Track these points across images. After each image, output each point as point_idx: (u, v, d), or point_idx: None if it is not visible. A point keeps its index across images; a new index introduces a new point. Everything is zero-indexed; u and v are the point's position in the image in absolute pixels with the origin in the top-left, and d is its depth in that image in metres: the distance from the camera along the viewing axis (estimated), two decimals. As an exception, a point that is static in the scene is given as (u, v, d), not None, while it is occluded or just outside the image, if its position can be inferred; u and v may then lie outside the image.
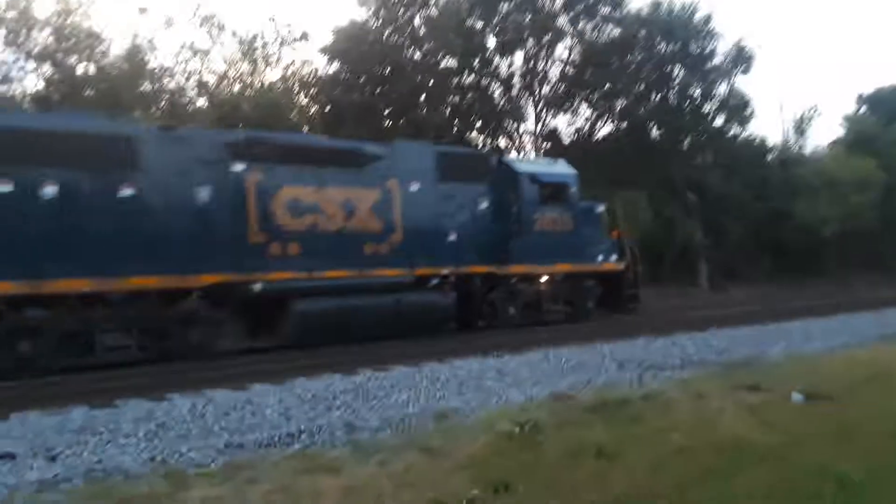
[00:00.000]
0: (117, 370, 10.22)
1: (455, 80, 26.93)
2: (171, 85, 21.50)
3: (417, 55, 25.74)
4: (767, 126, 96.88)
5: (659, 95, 30.15)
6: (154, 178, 11.34)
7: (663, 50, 29.66)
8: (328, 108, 24.05)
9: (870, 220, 35.26)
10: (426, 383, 8.84)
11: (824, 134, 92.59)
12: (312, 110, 24.89)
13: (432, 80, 24.92)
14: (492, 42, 27.85)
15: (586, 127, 30.82)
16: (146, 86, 20.41)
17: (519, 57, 28.83)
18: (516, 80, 29.24)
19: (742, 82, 51.63)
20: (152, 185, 11.31)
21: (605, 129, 30.97)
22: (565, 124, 31.87)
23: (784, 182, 32.99)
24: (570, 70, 29.50)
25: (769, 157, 33.80)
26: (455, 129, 26.67)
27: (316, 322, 12.53)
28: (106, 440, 6.46)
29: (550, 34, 28.09)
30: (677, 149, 29.81)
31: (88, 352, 10.69)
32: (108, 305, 10.83)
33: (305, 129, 22.25)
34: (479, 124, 28.33)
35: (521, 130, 30.03)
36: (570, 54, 29.45)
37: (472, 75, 27.86)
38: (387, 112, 24.71)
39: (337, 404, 7.73)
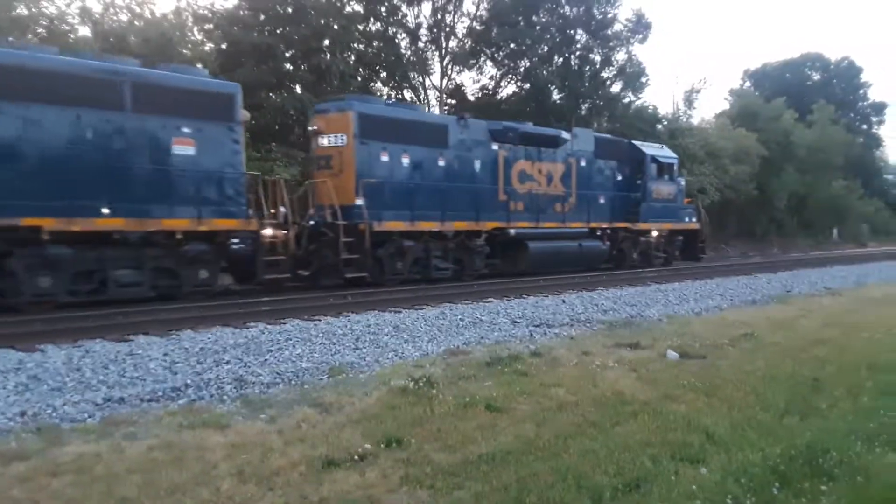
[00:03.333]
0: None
1: (361, 27, 26.16)
2: (50, 10, 19.61)
3: (322, -4, 24.74)
4: (660, 96, 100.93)
5: (561, 59, 30.64)
6: (454, 153, 16.51)
7: (567, 12, 30.06)
8: (224, 45, 22.74)
9: (747, 191, 37.82)
10: (322, 338, 8.75)
11: (712, 106, 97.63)
12: (207, 47, 23.46)
13: (337, 25, 24.04)
14: (400, -11, 27.25)
15: (491, 85, 30.95)
16: (21, 9, 18.50)
17: (427, 8, 28.41)
18: (423, 32, 28.83)
19: (639, 51, 53.15)
20: (453, 157, 16.45)
21: (508, 89, 31.25)
22: (471, 81, 31.82)
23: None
24: (477, 26, 29.37)
25: (660, 126, 35.30)
26: (360, 78, 26.00)
27: (541, 257, 17.84)
28: (-32, 394, 5.99)
29: (459, -13, 27.77)
30: (576, 113, 30.54)
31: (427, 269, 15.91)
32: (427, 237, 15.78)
33: (199, 65, 20.96)
34: (384, 75, 27.77)
35: (426, 84, 29.76)
36: (477, 10, 29.30)
37: (379, 23, 27.14)
38: (288, 55, 23.67)
39: (226, 358, 7.51)
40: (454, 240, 16.19)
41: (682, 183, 23.46)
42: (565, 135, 19.38)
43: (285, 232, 13.47)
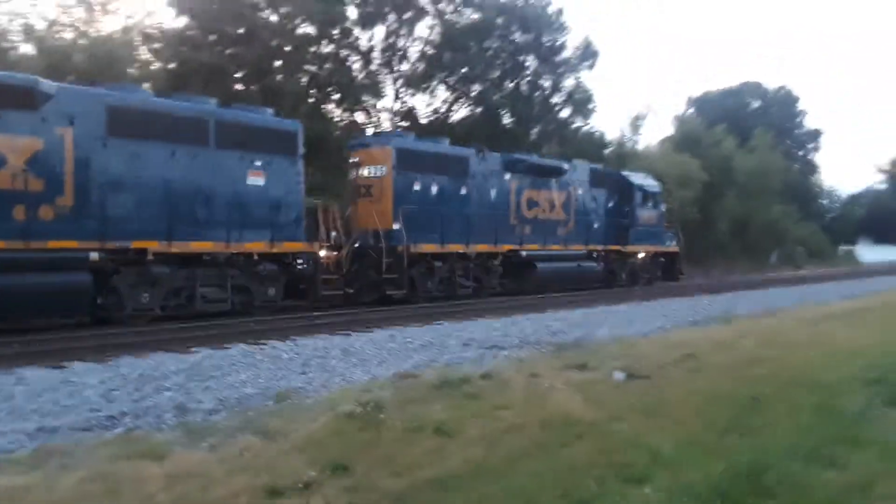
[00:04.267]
0: None
1: (313, 49, 26.10)
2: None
3: (274, 17, 24.62)
4: (608, 122, 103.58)
5: (512, 84, 31.16)
6: (474, 182, 18.43)
7: (518, 39, 30.67)
8: (173, 65, 22.35)
9: (691, 215, 38.87)
10: (268, 362, 8.57)
11: (657, 132, 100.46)
12: (156, 66, 23.01)
13: (289, 46, 23.92)
14: (353, 12, 27.34)
15: (443, 109, 31.24)
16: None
17: (380, 31, 28.55)
18: (376, 54, 28.95)
19: (587, 78, 54.54)
20: (473, 186, 18.37)
21: (461, 113, 31.57)
22: (423, 104, 32.03)
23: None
24: (429, 50, 29.67)
25: (607, 151, 36.13)
26: (312, 99, 25.89)
27: (547, 276, 19.73)
28: None
29: (412, 11, 28.01)
30: (526, 137, 31.02)
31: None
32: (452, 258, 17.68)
33: (146, 85, 20.54)
34: (336, 96, 27.73)
35: (378, 107, 29.83)
36: (429, 34, 29.62)
37: (332, 45, 27.16)
38: (239, 75, 23.41)
39: (167, 385, 7.27)
40: (475, 261, 18.17)
41: (663, 209, 25.44)
42: (565, 165, 21.63)
43: (336, 253, 15.14)
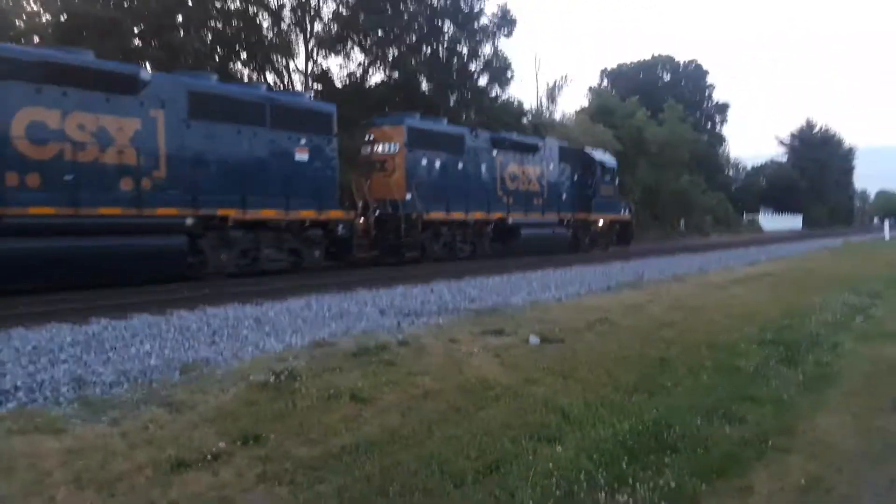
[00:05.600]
0: None
1: (218, 5, 24.88)
2: None
3: (176, -30, 23.27)
4: (525, 91, 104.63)
5: (430, 49, 30.83)
6: (468, 158, 20.80)
7: (435, 3, 30.28)
8: (64, 17, 20.78)
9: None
10: (174, 333, 8.20)
11: (574, 102, 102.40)
12: (44, 18, 21.33)
13: (191, 1, 22.69)
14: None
15: (359, 73, 30.59)
16: None
17: (291, -12, 27.50)
18: (287, 13, 27.93)
19: (505, 46, 54.49)
20: (467, 162, 20.73)
21: (377, 77, 31.03)
22: (338, 67, 31.27)
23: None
24: (344, 11, 28.87)
25: (525, 120, 36.49)
26: (217, 58, 24.75)
27: (529, 241, 22.38)
28: None
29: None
30: (444, 104, 30.87)
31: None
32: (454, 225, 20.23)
33: (36, 39, 19.01)
34: (244, 56, 26.62)
35: (290, 68, 28.88)
36: (345, -6, 28.79)
37: (238, 2, 25.98)
38: (137, 31, 22.03)
39: (63, 357, 6.83)
40: (473, 227, 20.84)
41: (617, 183, 28.68)
42: (540, 143, 24.54)
43: (364, 220, 17.54)
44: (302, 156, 15.57)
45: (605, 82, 67.26)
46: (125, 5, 21.26)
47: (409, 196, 18.47)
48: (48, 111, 11.58)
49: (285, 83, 28.21)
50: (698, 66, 73.82)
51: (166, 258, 12.99)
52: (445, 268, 16.94)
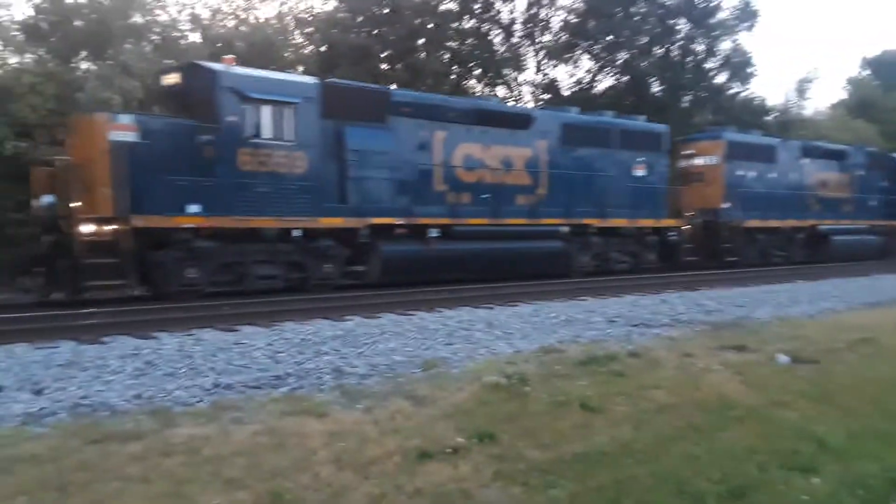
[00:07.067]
0: (104, 306, 10.17)
1: (455, 25, 26.25)
2: (163, 18, 20.80)
3: (418, -4, 24.99)
4: (768, 86, 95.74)
5: (662, 50, 29.59)
6: (779, 167, 21.67)
7: (668, 1, 29.00)
8: (323, 48, 23.39)
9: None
10: (415, 332, 8.84)
11: (825, 96, 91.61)
12: (308, 49, 24.22)
13: (431, 24, 24.19)
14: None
15: (587, 79, 30.34)
16: (136, 18, 19.73)
17: (521, 2, 28.16)
18: (517, 27, 28.60)
19: (745, 40, 50.55)
20: (779, 170, 21.66)
21: (605, 83, 30.50)
22: (566, 76, 31.31)
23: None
24: (572, 19, 28.85)
25: (769, 118, 33.43)
26: (453, 76, 26.11)
27: (839, 248, 22.46)
28: (93, 376, 6.44)
29: (554, -20, 27.34)
30: (677, 105, 29.41)
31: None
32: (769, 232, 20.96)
33: (300, 69, 21.66)
34: (477, 72, 27.77)
35: (519, 80, 29.54)
36: (572, 2, 28.77)
37: (473, 20, 27.15)
38: (384, 55, 24.07)
39: (325, 349, 7.71)
40: (786, 234, 21.30)
41: None
42: (850, 151, 24.53)
43: (688, 227, 19.08)
44: (641, 171, 17.65)
45: (866, 72, 59.15)
46: (374, 33, 23.35)
47: (727, 204, 19.75)
48: (474, 145, 14.82)
49: (514, 95, 28.96)
50: None
51: (550, 259, 15.83)
52: (677, 278, 16.16)
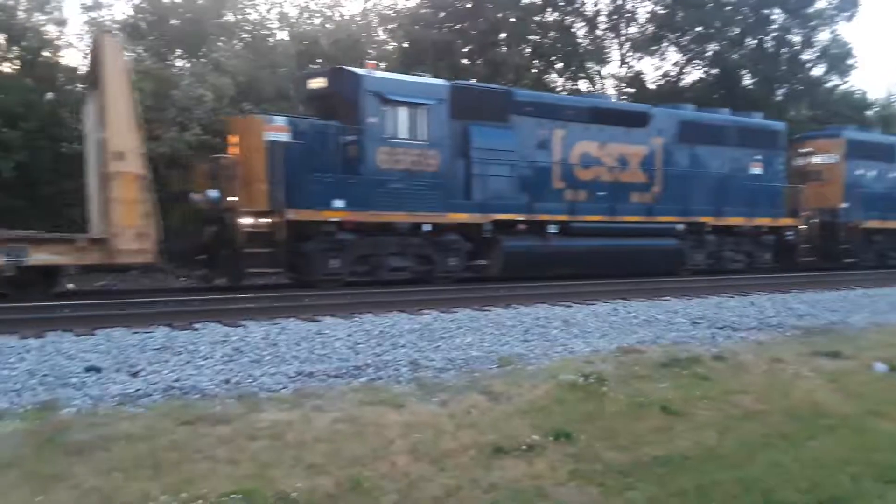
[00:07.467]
0: (193, 294, 10.68)
1: (537, 18, 25.98)
2: (253, 16, 21.54)
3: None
4: (871, 79, 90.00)
5: (755, 41, 28.32)
6: None
7: (762, -10, 27.70)
8: (406, 44, 23.62)
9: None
10: (491, 328, 8.84)
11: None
12: (390, 46, 24.53)
13: (513, 17, 24.03)
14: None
15: (674, 72, 29.41)
16: (229, 16, 20.52)
17: (606, -5, 27.52)
18: (602, 19, 28.02)
19: (845, 30, 47.60)
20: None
21: (693, 76, 29.47)
22: (651, 69, 30.41)
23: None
24: (659, 10, 28.02)
25: (870, 113, 31.47)
26: (534, 70, 25.86)
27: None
28: (185, 360, 6.79)
29: (642, -29, 26.63)
30: (771, 99, 28.09)
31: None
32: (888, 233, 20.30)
33: (382, 65, 21.98)
34: (559, 66, 27.39)
35: (603, 73, 28.95)
36: (660, -7, 27.91)
37: (556, 13, 26.79)
38: (465, 50, 24.10)
39: (402, 342, 7.83)
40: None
41: None
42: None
43: (805, 226, 18.63)
44: (757, 169, 17.40)
45: None
46: (456, 28, 23.42)
47: (846, 204, 19.37)
48: (591, 143, 14.94)
49: (597, 88, 28.38)
50: None
51: (664, 256, 15.87)
52: (767, 280, 15.48)
